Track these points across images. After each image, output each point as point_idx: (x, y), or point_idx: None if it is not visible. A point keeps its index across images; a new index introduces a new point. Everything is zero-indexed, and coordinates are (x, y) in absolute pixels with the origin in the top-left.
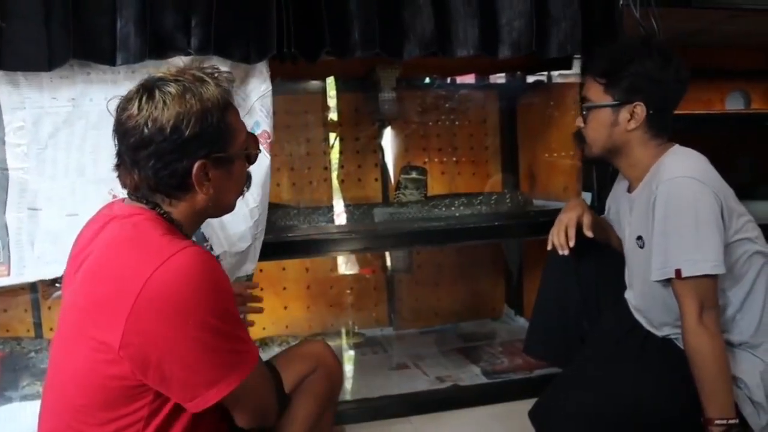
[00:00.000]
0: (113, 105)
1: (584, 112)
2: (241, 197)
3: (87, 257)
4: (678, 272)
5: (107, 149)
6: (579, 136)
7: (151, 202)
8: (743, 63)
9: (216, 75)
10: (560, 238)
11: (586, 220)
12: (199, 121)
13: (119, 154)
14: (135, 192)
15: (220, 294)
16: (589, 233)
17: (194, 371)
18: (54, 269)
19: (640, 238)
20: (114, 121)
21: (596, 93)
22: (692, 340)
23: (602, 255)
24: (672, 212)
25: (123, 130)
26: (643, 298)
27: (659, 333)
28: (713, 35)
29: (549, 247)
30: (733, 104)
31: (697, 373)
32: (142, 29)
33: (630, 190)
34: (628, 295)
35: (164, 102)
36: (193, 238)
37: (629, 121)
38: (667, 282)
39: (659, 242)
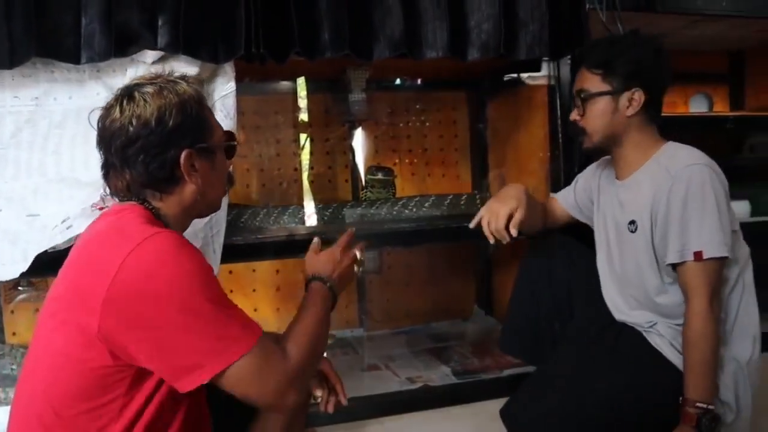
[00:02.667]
0: (95, 117)
1: (581, 104)
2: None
3: (66, 262)
4: (698, 254)
5: (70, 149)
6: (576, 128)
7: (140, 199)
8: (706, 66)
9: (185, 77)
10: (498, 232)
11: (518, 216)
12: (180, 111)
13: (106, 161)
14: (126, 193)
15: (199, 276)
16: (514, 232)
17: (176, 353)
18: (13, 270)
19: (633, 222)
20: (97, 132)
21: (594, 83)
22: (700, 324)
23: (575, 255)
24: (692, 197)
25: (109, 134)
26: (628, 280)
27: (629, 319)
28: (677, 39)
29: (492, 241)
30: (697, 106)
31: (694, 356)
32: (107, 27)
33: (620, 177)
34: (605, 279)
35: (144, 100)
36: None
37: (628, 107)
38: (672, 268)
39: (677, 226)
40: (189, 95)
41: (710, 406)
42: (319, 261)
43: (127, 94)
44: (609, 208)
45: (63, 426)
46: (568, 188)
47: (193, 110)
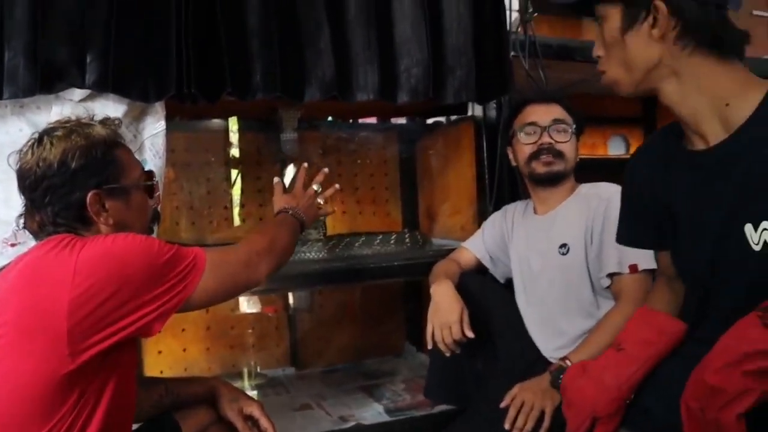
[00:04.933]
0: (13, 160)
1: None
2: (151, 233)
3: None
4: (633, 267)
5: None
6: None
7: (71, 229)
8: (622, 110)
9: (103, 120)
10: (455, 342)
11: (466, 317)
12: (84, 154)
13: (24, 203)
14: (39, 233)
15: (146, 237)
16: (470, 333)
17: (152, 300)
18: None
19: (564, 245)
20: (16, 175)
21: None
22: (620, 320)
23: (489, 291)
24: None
25: (20, 176)
26: (561, 307)
27: (555, 355)
28: (595, 85)
29: (429, 347)
30: (615, 148)
31: (598, 337)
32: (32, 62)
33: (540, 212)
34: (527, 316)
35: (51, 143)
36: None
37: None
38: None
39: (613, 241)
40: (98, 138)
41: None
42: (282, 198)
43: (39, 138)
44: (530, 241)
45: None
46: (475, 237)
47: (99, 152)
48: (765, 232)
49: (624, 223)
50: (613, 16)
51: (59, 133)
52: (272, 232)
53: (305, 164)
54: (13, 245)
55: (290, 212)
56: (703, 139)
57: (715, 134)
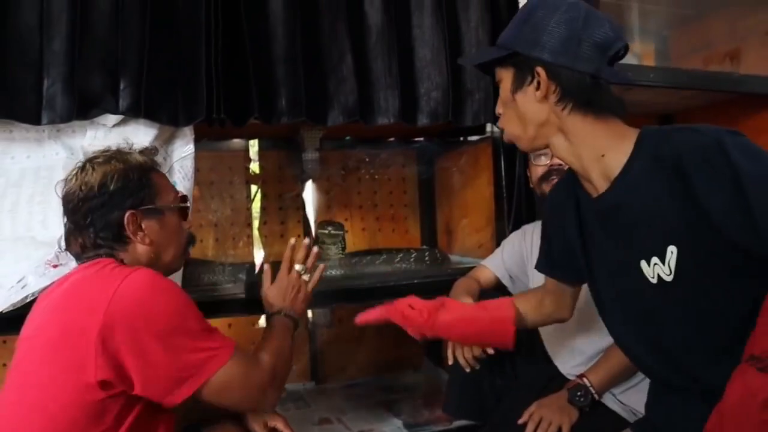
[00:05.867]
0: (60, 189)
1: None
2: (186, 255)
3: (43, 310)
4: None
5: (27, 207)
6: None
7: (109, 254)
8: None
9: (142, 149)
10: (469, 360)
11: None
12: (122, 177)
13: (66, 227)
14: (81, 255)
15: (182, 300)
16: (491, 350)
17: (167, 368)
18: None
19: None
20: (62, 201)
21: None
22: None
23: None
24: None
25: (65, 201)
26: (578, 327)
27: (574, 372)
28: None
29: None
30: None
31: (613, 355)
32: (69, 89)
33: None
34: (549, 332)
35: (93, 168)
36: None
37: None
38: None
39: None
40: (135, 163)
41: (592, 388)
42: (272, 295)
43: (82, 166)
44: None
45: None
46: (494, 256)
47: (136, 175)
48: (656, 266)
49: (544, 253)
50: (507, 78)
51: (100, 159)
52: (279, 350)
53: (292, 241)
54: (55, 266)
55: (283, 314)
56: (594, 187)
57: (600, 183)
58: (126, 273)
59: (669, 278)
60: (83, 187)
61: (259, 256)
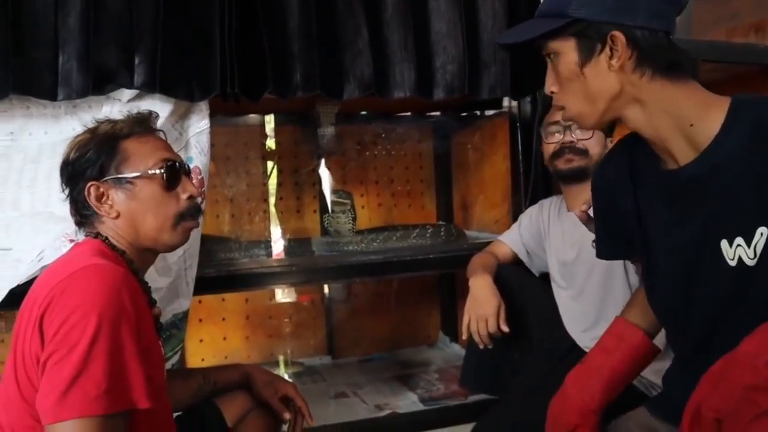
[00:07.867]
0: None
1: None
2: (194, 228)
3: (33, 287)
4: None
5: (45, 183)
6: None
7: (94, 233)
8: None
9: (134, 115)
10: (484, 337)
11: (503, 312)
12: (83, 147)
13: None
14: (83, 230)
15: (108, 319)
16: (505, 328)
17: (49, 383)
18: None
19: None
20: None
21: None
22: None
23: (525, 284)
24: None
25: None
26: (596, 300)
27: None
28: None
29: (465, 337)
30: None
31: None
32: (84, 65)
33: (570, 208)
34: (566, 306)
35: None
36: None
37: None
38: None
39: None
40: (102, 132)
41: None
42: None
43: None
44: (565, 236)
45: None
46: (512, 231)
47: (96, 144)
48: (739, 248)
49: (600, 239)
50: (568, 50)
51: (80, 132)
52: None
53: (286, 415)
54: (71, 241)
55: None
56: (673, 158)
57: (684, 154)
58: (77, 266)
59: (751, 262)
60: (61, 162)
61: (276, 231)
